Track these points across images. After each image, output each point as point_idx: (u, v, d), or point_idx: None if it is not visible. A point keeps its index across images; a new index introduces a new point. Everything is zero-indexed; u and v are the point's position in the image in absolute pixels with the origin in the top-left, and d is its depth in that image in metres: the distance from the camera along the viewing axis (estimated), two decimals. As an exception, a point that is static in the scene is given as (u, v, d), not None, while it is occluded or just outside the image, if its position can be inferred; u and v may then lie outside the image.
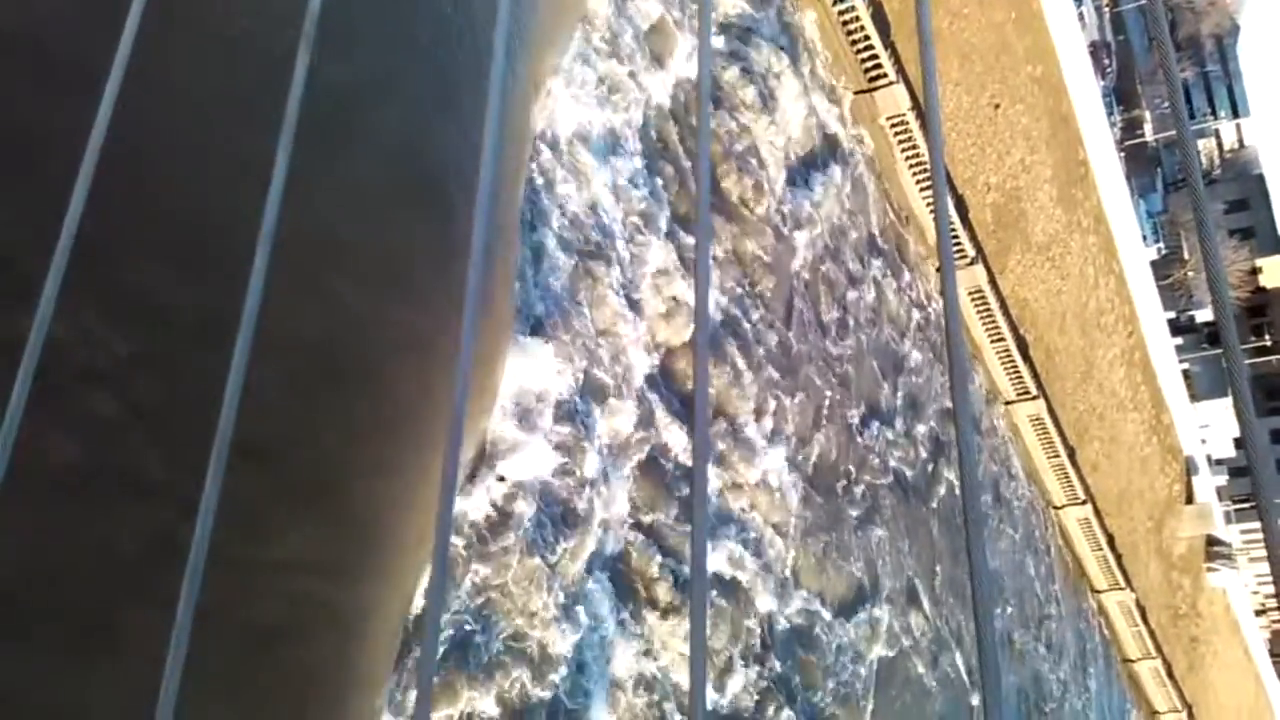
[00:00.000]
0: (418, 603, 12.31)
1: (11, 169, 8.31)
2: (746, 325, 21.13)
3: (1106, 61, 58.61)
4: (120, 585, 8.83)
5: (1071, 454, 37.44)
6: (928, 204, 29.36)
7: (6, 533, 7.71)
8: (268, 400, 8.93)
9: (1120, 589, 41.91)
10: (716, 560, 18.89)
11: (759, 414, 20.90)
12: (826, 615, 21.90)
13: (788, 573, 20.69)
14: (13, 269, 5.69)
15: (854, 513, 24.03)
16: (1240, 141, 72.50)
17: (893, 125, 27.79)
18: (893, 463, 26.65)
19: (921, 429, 28.65)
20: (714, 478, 19.30)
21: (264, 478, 9.79)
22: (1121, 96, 62.91)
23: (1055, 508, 38.66)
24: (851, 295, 25.98)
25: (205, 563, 1.93)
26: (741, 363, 20.62)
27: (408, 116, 12.73)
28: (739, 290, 21.23)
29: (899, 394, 27.79)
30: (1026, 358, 34.09)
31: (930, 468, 28.73)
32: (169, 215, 9.51)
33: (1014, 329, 33.26)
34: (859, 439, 25.03)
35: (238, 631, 9.38)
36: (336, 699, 11.28)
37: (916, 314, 29.58)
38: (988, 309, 31.57)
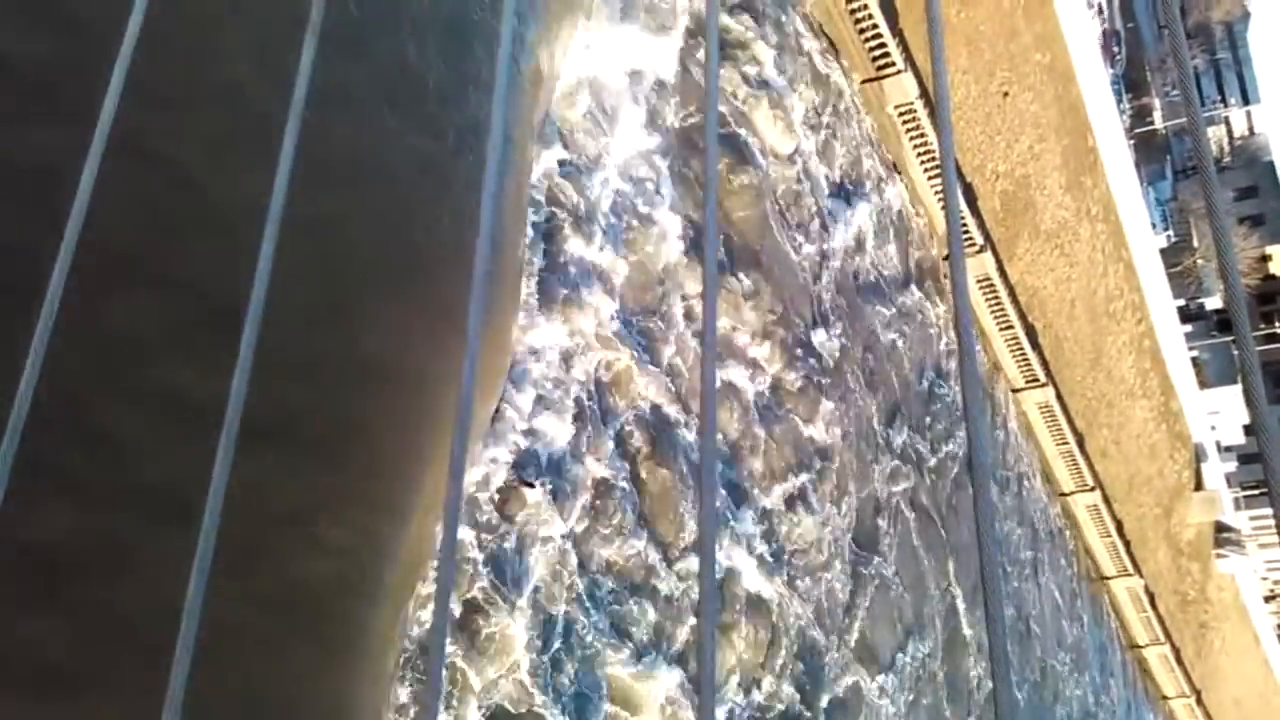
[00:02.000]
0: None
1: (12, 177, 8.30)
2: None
3: (1115, 49, 58.22)
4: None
5: (1080, 441, 37.33)
6: (936, 193, 29.20)
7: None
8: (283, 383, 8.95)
9: (1129, 575, 41.85)
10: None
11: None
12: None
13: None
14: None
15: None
16: (1250, 129, 72.00)
17: (900, 114, 27.59)
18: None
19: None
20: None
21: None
22: (1131, 84, 62.48)
23: (1063, 494, 38.58)
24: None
25: (210, 560, 1.92)
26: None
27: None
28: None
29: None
30: (1035, 345, 33.96)
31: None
32: (173, 204, 9.52)
33: (1022, 317, 33.14)
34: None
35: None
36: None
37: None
38: (996, 297, 31.46)
